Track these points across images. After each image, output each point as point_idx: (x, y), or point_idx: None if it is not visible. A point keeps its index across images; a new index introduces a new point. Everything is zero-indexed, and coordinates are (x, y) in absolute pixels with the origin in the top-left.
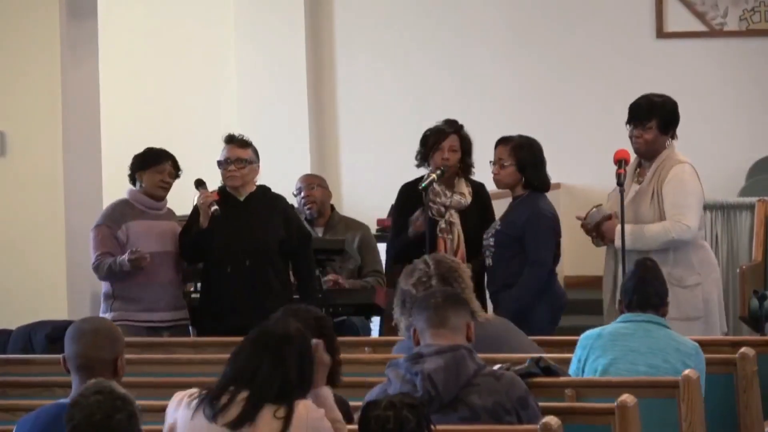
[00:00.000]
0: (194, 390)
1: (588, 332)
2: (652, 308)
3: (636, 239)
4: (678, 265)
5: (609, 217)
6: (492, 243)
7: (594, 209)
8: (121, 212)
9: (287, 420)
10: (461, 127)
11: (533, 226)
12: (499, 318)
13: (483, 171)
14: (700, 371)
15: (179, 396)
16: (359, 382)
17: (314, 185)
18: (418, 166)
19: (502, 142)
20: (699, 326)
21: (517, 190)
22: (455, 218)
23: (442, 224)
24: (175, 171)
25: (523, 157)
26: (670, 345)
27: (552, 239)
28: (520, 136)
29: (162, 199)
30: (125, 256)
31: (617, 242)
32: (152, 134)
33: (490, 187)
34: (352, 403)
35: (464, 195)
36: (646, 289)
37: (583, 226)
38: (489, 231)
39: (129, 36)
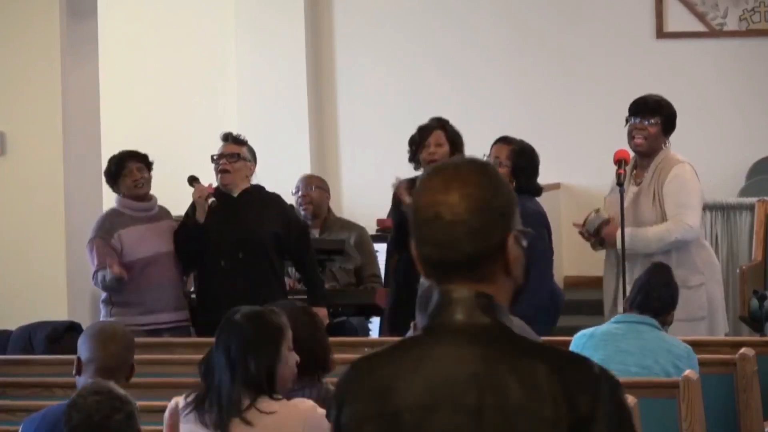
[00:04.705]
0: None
1: (581, 332)
2: (651, 312)
3: (638, 242)
4: (681, 266)
5: (608, 222)
6: None
7: (593, 214)
8: (111, 222)
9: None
10: (447, 122)
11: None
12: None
13: None
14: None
15: (175, 401)
16: None
17: (312, 186)
18: (415, 168)
19: (502, 141)
20: (703, 326)
21: None
22: None
23: None
24: (145, 165)
25: (521, 163)
26: (661, 347)
27: (544, 232)
28: (521, 141)
29: (145, 197)
30: (107, 272)
31: (619, 246)
32: (152, 134)
33: None
34: None
35: None
36: (650, 293)
37: (581, 233)
38: None
39: (129, 36)
